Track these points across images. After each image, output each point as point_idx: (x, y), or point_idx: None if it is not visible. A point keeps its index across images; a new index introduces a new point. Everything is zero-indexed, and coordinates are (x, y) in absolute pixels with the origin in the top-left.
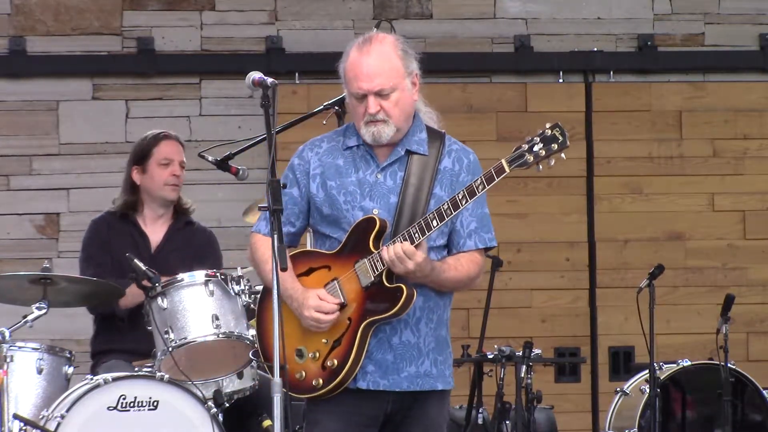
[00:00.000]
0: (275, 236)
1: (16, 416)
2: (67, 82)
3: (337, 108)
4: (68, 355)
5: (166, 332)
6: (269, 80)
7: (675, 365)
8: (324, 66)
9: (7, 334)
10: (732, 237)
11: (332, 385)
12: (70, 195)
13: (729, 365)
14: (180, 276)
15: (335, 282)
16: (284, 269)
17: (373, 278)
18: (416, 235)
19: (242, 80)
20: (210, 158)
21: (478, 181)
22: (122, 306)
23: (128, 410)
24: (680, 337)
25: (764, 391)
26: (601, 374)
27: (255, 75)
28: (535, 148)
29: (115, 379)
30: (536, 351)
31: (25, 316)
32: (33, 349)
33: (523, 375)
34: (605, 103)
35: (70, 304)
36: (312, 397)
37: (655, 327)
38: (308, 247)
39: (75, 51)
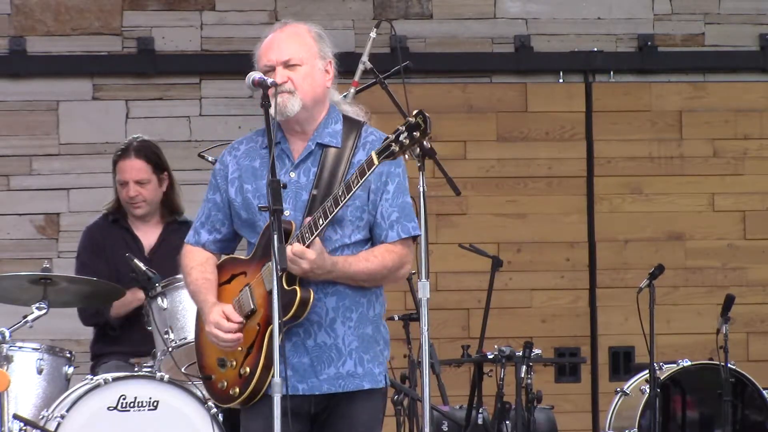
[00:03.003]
0: (275, 236)
1: (16, 416)
2: (67, 82)
3: None
4: (68, 355)
5: (166, 332)
6: (269, 80)
7: (675, 365)
8: None
9: (7, 334)
10: (732, 237)
11: (248, 392)
12: (70, 195)
13: (729, 365)
14: (180, 276)
15: (247, 288)
16: (284, 269)
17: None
18: (306, 235)
19: (242, 80)
20: (210, 158)
21: (353, 176)
22: (113, 315)
23: (128, 410)
24: (680, 337)
25: (764, 391)
26: (601, 374)
27: (255, 75)
28: (401, 138)
29: (115, 379)
30: (536, 351)
31: (25, 316)
32: (33, 349)
33: (523, 375)
34: (605, 103)
35: (70, 304)
36: (234, 405)
37: (655, 327)
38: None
39: (75, 51)
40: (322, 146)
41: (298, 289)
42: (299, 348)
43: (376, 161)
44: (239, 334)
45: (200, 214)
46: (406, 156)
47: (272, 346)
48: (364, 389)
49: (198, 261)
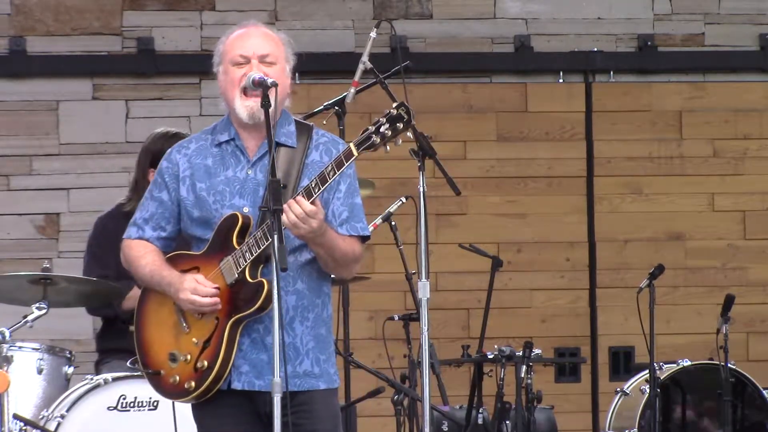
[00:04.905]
0: (276, 236)
1: (16, 416)
2: (67, 82)
3: (337, 108)
4: (68, 355)
5: None
6: (269, 80)
7: (675, 365)
8: (324, 66)
9: (7, 334)
10: (732, 237)
11: (204, 386)
12: (70, 195)
13: (729, 365)
14: None
15: None
16: (284, 269)
17: (237, 275)
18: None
19: None
20: None
21: (329, 168)
22: (125, 309)
23: (128, 410)
24: (680, 337)
25: (764, 391)
26: (601, 374)
27: (255, 75)
28: (382, 129)
29: (115, 379)
30: (536, 351)
31: (25, 316)
32: (33, 349)
33: (523, 375)
34: (605, 103)
35: (70, 304)
36: (187, 400)
37: (655, 327)
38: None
39: (75, 51)
40: (277, 145)
41: (265, 281)
42: (258, 344)
43: (355, 152)
44: (217, 298)
45: (142, 210)
46: (387, 147)
47: (231, 340)
48: (320, 389)
49: (148, 249)
